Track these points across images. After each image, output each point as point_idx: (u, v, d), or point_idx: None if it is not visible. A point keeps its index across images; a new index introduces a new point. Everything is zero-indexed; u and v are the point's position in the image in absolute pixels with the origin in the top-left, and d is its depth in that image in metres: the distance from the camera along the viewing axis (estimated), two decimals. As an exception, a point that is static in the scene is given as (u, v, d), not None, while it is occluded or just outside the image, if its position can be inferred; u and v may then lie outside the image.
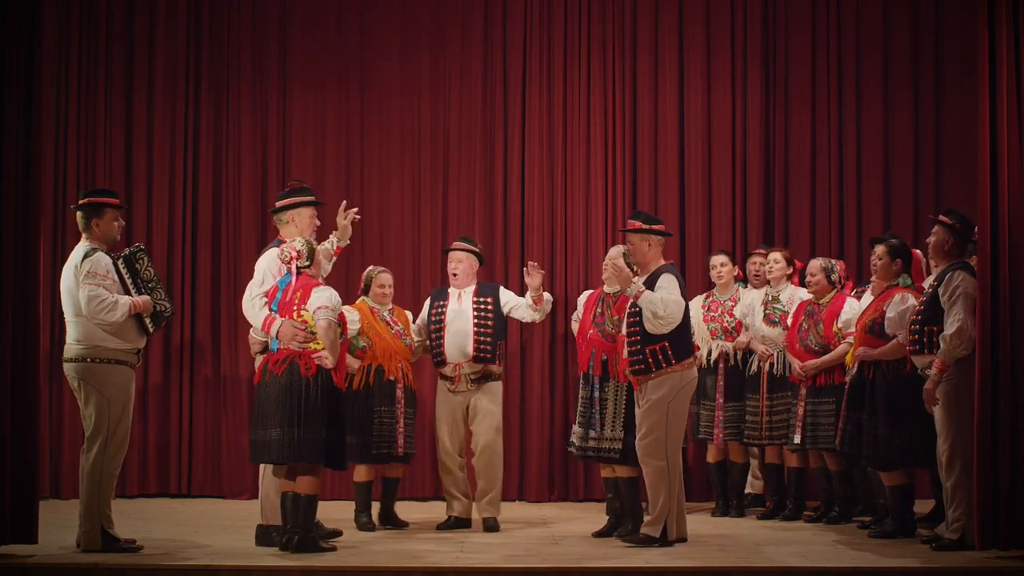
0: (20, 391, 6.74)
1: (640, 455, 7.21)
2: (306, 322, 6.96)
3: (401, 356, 8.18)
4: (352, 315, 8.03)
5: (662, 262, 7.33)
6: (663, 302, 7.04)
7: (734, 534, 7.80)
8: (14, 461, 6.71)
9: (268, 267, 7.29)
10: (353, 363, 8.03)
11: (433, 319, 8.20)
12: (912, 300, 7.48)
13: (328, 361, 6.94)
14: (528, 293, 8.08)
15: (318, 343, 6.95)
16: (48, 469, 9.56)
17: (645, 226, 7.35)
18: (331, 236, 7.79)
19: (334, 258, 7.81)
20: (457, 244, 8.40)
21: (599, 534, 7.69)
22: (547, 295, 8.22)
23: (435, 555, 6.93)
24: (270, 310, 7.07)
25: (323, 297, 7.00)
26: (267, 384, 6.97)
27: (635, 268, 7.37)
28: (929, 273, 7.47)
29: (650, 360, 7.10)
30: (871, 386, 7.58)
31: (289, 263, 7.10)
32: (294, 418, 6.86)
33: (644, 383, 7.16)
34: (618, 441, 7.54)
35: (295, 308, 7.00)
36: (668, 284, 7.13)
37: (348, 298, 8.46)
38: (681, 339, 7.16)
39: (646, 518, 7.29)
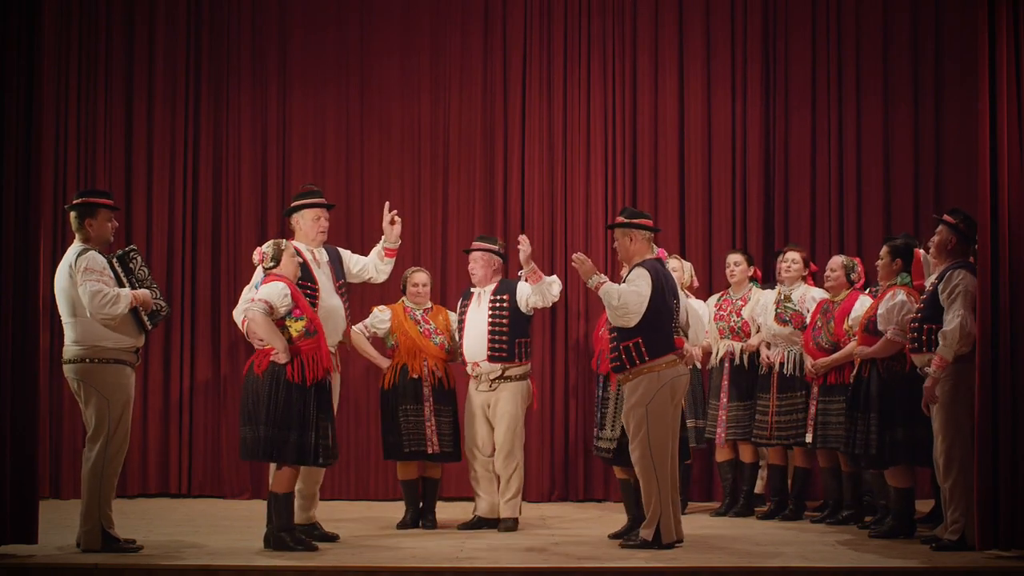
0: (20, 391, 6.75)
1: (632, 459, 7.21)
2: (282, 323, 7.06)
3: (429, 355, 8.18)
4: (384, 314, 8.24)
5: (648, 257, 7.30)
6: (618, 292, 7.03)
7: (734, 534, 7.79)
8: (14, 461, 6.72)
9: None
10: (383, 362, 8.24)
11: (459, 319, 8.25)
12: (901, 296, 7.50)
13: (280, 356, 6.96)
14: (522, 270, 7.99)
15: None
16: (48, 469, 9.55)
17: (627, 220, 7.35)
18: (382, 240, 8.11)
19: (386, 259, 8.10)
20: (475, 244, 8.39)
21: (614, 535, 7.64)
22: (553, 277, 8.14)
23: (435, 555, 6.94)
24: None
25: (260, 291, 7.07)
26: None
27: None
28: (931, 272, 7.47)
29: (624, 357, 7.07)
30: (867, 384, 7.61)
31: (259, 265, 7.26)
32: (245, 417, 7.06)
33: (623, 384, 7.18)
34: (613, 441, 7.56)
35: None
36: (636, 277, 7.11)
37: (386, 299, 8.64)
38: (656, 336, 7.07)
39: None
